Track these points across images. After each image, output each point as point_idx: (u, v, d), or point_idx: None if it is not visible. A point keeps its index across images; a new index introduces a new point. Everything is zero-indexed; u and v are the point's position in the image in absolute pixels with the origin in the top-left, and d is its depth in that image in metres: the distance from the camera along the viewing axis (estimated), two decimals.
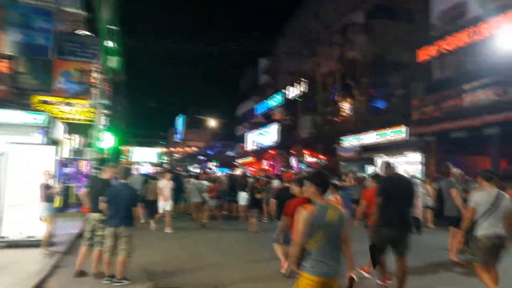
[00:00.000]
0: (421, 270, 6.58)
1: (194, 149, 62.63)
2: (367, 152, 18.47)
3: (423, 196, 11.13)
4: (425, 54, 15.59)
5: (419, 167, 15.69)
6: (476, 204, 4.70)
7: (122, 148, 65.38)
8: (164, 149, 78.96)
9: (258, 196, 10.46)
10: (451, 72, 15.06)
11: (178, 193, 11.76)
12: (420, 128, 15.09)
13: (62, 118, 12.53)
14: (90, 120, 12.51)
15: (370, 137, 18.12)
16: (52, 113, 12.23)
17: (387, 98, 21.42)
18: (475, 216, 4.67)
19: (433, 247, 8.55)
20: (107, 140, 14.54)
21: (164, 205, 10.28)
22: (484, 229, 4.55)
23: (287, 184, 6.68)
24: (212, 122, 44.39)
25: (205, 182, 11.94)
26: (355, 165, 19.69)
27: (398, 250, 5.04)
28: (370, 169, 18.63)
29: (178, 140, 72.48)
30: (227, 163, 42.37)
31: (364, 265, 5.87)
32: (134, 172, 27.52)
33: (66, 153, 13.73)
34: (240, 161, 37.69)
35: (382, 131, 17.22)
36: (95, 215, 5.73)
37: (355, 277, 3.07)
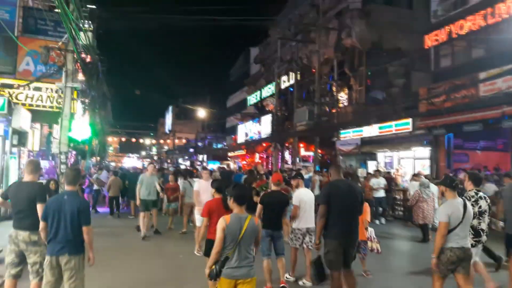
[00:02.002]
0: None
1: (184, 141, 61.23)
2: (368, 146, 17.26)
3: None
4: (433, 39, 14.30)
5: (427, 162, 14.52)
6: (448, 218, 4.33)
7: (110, 139, 63.89)
8: (153, 141, 77.43)
9: (256, 199, 8.70)
10: (463, 59, 13.81)
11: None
12: (428, 120, 13.87)
13: (29, 105, 10.95)
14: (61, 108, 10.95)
15: (371, 130, 16.89)
16: (16, 99, 10.68)
17: (386, 88, 20.25)
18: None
19: None
20: (81, 131, 13.09)
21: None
22: (451, 242, 4.32)
23: (274, 188, 5.81)
24: (202, 113, 42.82)
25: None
26: (354, 160, 18.50)
27: (344, 262, 4.72)
28: (371, 165, 17.50)
29: (167, 132, 70.87)
30: (218, 156, 41.19)
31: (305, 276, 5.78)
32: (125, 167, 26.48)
33: (36, 145, 12.11)
34: (231, 154, 36.45)
35: (385, 124, 15.99)
36: (23, 234, 4.14)
37: None
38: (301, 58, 22.49)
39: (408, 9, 21.90)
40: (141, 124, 78.89)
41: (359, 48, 20.47)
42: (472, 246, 4.91)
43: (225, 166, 20.98)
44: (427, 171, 13.68)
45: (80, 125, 13.32)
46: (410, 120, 14.90)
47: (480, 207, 5.27)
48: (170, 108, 67.65)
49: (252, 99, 31.62)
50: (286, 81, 24.91)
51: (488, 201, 5.44)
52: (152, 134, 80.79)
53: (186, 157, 52.11)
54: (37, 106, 11.11)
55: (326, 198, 4.73)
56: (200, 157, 46.84)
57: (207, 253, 4.43)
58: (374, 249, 6.19)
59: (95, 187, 13.60)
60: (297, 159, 20.34)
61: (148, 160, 66.03)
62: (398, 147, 15.90)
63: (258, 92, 29.94)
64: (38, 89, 11.11)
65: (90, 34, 9.36)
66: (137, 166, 32.77)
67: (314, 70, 23.30)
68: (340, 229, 4.64)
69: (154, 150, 78.70)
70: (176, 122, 65.86)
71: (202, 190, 7.39)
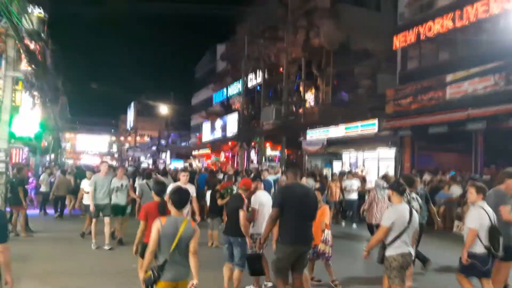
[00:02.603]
0: None
1: (146, 138, 59.47)
2: (334, 147, 17.11)
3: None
4: (402, 40, 14.28)
5: (392, 163, 14.49)
6: (392, 224, 4.30)
7: (68, 136, 60.88)
8: (113, 138, 74.70)
9: (220, 202, 8.14)
10: (430, 61, 13.86)
11: None
12: (394, 122, 13.82)
13: None
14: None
15: (337, 131, 16.74)
16: None
17: (352, 89, 20.29)
18: (387, 236, 4.35)
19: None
20: (27, 126, 11.91)
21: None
22: (400, 248, 4.29)
23: (241, 192, 5.49)
24: (165, 110, 41.53)
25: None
26: (320, 160, 18.32)
27: (295, 267, 4.63)
28: (337, 165, 17.36)
29: (128, 129, 68.64)
30: (181, 154, 40.22)
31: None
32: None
33: None
34: (196, 152, 35.66)
35: (351, 124, 15.87)
36: None
37: (195, 284, 3.39)
38: (268, 56, 22.08)
39: (376, 11, 22.13)
40: (101, 120, 76.16)
41: (327, 48, 20.39)
42: None
43: (187, 165, 20.15)
44: (391, 172, 13.61)
45: (26, 120, 12.13)
46: (376, 121, 14.83)
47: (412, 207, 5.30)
48: (132, 104, 65.47)
49: (218, 96, 31.01)
50: (254, 79, 24.46)
51: (420, 201, 5.75)
52: (113, 130, 78.03)
53: (149, 155, 50.68)
54: None
55: (280, 201, 4.61)
56: (163, 155, 45.70)
57: (142, 255, 4.39)
58: (326, 252, 5.76)
59: (43, 188, 12.53)
60: (263, 159, 19.92)
61: (109, 157, 63.65)
62: (364, 148, 15.84)
63: (225, 90, 29.37)
64: None
65: (35, 18, 8.29)
66: (93, 163, 31.23)
67: (281, 69, 23.04)
68: (294, 235, 4.52)
69: (114, 148, 75.96)
70: (138, 119, 63.93)
71: None
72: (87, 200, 8.59)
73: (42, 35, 8.68)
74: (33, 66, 8.46)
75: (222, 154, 29.12)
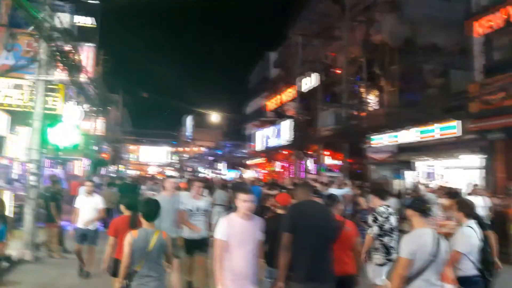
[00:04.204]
0: None
1: (203, 149, 60.18)
2: (405, 154, 14.95)
3: None
4: (486, 25, 11.94)
5: (478, 173, 12.11)
6: (412, 255, 3.29)
7: (131, 147, 63.22)
8: (173, 149, 76.72)
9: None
10: None
11: None
12: (482, 123, 11.50)
13: (8, 105, 9.24)
14: (49, 108, 9.20)
15: (408, 135, 14.58)
16: None
17: (421, 89, 18.13)
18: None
19: None
20: (66, 136, 11.34)
21: None
22: None
23: (279, 211, 4.51)
24: (220, 121, 41.62)
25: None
26: (388, 169, 16.17)
27: None
28: (408, 175, 15.16)
29: (187, 140, 70.10)
30: (236, 164, 39.74)
31: None
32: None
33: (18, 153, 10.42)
34: (250, 162, 34.84)
35: (427, 127, 13.69)
36: None
37: None
38: (326, 56, 20.54)
39: (444, 0, 19.88)
40: (162, 132, 78.55)
41: (390, 45, 18.53)
42: (382, 265, 4.87)
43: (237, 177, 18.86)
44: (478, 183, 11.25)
45: (67, 129, 11.58)
46: (457, 123, 12.55)
47: (391, 223, 5.02)
48: (190, 116, 67.15)
49: (271, 104, 29.95)
50: (308, 83, 22.91)
51: (397, 216, 5.32)
52: (175, 142, 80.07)
53: (207, 166, 51.38)
54: (18, 106, 9.38)
55: (291, 223, 3.75)
56: (219, 165, 45.79)
57: (114, 273, 4.31)
58: None
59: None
60: (323, 169, 18.15)
61: (170, 168, 65.23)
62: (443, 155, 13.55)
63: (278, 97, 28.26)
64: (18, 86, 9.38)
65: (67, 16, 7.57)
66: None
67: (338, 71, 21.35)
68: (308, 270, 3.61)
69: (174, 158, 77.79)
70: (196, 130, 65.37)
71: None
72: None
73: (74, 34, 7.91)
74: (67, 69, 7.73)
75: (278, 164, 27.77)
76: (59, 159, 16.80)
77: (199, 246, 5.69)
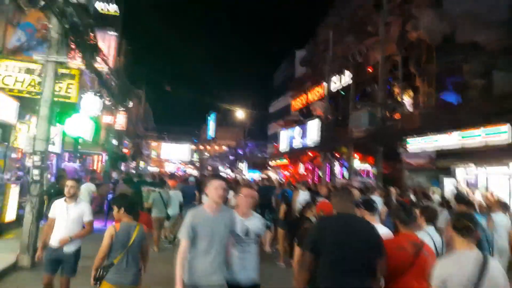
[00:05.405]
0: None
1: (224, 148, 59.66)
2: (445, 159, 13.71)
3: None
4: None
5: None
6: (440, 283, 2.61)
7: (153, 143, 63.37)
8: (194, 147, 76.67)
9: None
10: None
11: None
12: None
13: (18, 92, 8.55)
14: (62, 96, 8.47)
15: (450, 139, 13.32)
16: (2, 83, 8.30)
17: (461, 90, 16.84)
18: None
19: None
20: (81, 127, 10.65)
21: None
22: None
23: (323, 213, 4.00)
24: (242, 116, 40.99)
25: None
26: (424, 176, 14.92)
27: None
28: (448, 183, 13.91)
29: (209, 138, 69.81)
30: (258, 164, 38.95)
31: None
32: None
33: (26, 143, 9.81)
34: (273, 163, 33.88)
35: (471, 132, 12.43)
36: None
37: None
38: (360, 52, 19.42)
39: None
40: (184, 128, 78.53)
41: (428, 43, 17.29)
42: None
43: (262, 178, 17.90)
44: None
45: (85, 121, 10.90)
46: (508, 126, 11.26)
47: None
48: (213, 114, 66.85)
49: (297, 103, 28.93)
50: (338, 82, 21.80)
51: None
52: (196, 140, 79.83)
53: (227, 165, 50.94)
54: (29, 92, 8.64)
55: (313, 241, 3.06)
56: (240, 165, 45.15)
57: None
58: None
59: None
60: (353, 172, 17.02)
61: (190, 166, 65.08)
62: (488, 161, 12.27)
63: (304, 96, 27.22)
64: (30, 71, 8.64)
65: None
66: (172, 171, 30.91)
67: (370, 69, 20.19)
68: None
69: (195, 157, 77.63)
70: (218, 128, 65.03)
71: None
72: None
73: (90, 11, 7.15)
74: (81, 50, 6.97)
75: (301, 166, 26.73)
76: (78, 153, 16.23)
77: None
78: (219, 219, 3.36)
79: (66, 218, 4.59)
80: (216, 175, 3.66)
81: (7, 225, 8.63)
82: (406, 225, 3.32)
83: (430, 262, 3.21)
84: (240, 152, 46.18)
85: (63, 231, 4.54)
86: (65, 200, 4.69)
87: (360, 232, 3.08)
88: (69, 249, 4.51)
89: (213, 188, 3.35)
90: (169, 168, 57.76)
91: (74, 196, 4.68)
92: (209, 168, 54.65)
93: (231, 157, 50.04)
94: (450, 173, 14.01)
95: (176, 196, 9.17)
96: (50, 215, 4.72)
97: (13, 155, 10.19)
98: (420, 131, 14.89)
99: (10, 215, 8.67)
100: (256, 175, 33.31)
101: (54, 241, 4.55)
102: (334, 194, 3.50)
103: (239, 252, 3.58)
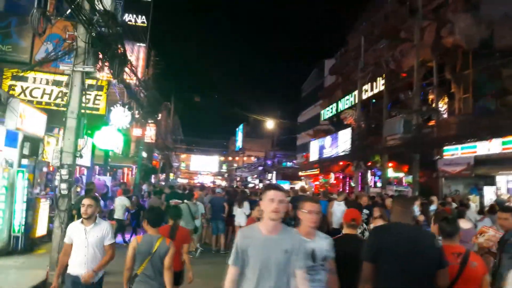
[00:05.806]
0: None
1: (253, 159, 59.66)
2: (484, 167, 13.04)
3: None
4: None
5: None
6: None
7: (182, 156, 64.29)
8: (222, 158, 77.16)
9: None
10: None
11: None
12: None
13: (45, 104, 8.67)
14: (90, 108, 8.54)
15: (489, 147, 12.66)
16: (30, 96, 8.49)
17: (500, 96, 16.05)
18: None
19: None
20: (110, 139, 10.74)
21: None
22: None
23: (347, 231, 3.65)
24: (271, 126, 40.86)
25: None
26: (462, 184, 14.24)
27: None
28: (489, 190, 13.18)
29: (237, 149, 70.17)
30: (287, 175, 38.61)
31: None
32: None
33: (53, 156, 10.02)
34: (303, 173, 33.44)
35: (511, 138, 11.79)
36: None
37: None
38: (393, 58, 18.96)
39: None
40: (213, 141, 79.24)
41: (464, 48, 16.63)
42: None
43: (292, 188, 17.55)
44: None
45: (114, 133, 10.99)
46: None
47: None
48: (241, 126, 67.26)
49: (327, 113, 28.47)
50: (369, 90, 21.30)
51: None
52: (225, 152, 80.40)
53: (255, 175, 50.93)
54: (57, 105, 8.77)
55: (373, 251, 2.97)
56: (269, 175, 44.93)
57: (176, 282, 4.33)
58: None
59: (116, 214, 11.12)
60: (389, 182, 16.44)
61: (220, 177, 65.45)
62: None
63: (334, 105, 26.77)
64: (58, 83, 8.70)
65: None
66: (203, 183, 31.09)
67: (404, 75, 19.63)
68: None
69: (224, 168, 78.02)
70: (246, 139, 65.23)
71: None
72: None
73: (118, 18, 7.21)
74: (107, 59, 6.99)
75: (332, 176, 26.19)
76: (108, 166, 16.44)
77: None
78: (276, 241, 2.63)
79: (86, 243, 3.99)
80: (271, 185, 3.01)
81: (39, 240, 8.62)
82: (449, 237, 3.21)
83: (480, 272, 3.07)
84: (269, 162, 45.97)
85: (82, 258, 3.96)
86: (82, 222, 4.08)
87: (420, 242, 2.97)
88: (92, 279, 3.99)
89: (267, 200, 2.66)
90: (202, 179, 58.29)
91: (92, 217, 4.06)
92: (238, 179, 54.77)
93: (260, 168, 49.88)
94: (490, 181, 13.31)
95: (198, 208, 9.15)
96: (66, 240, 4.10)
97: (44, 169, 10.32)
98: (458, 138, 14.30)
99: (41, 229, 8.57)
100: (286, 186, 33.03)
101: (73, 270, 4.00)
102: (395, 203, 3.34)
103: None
